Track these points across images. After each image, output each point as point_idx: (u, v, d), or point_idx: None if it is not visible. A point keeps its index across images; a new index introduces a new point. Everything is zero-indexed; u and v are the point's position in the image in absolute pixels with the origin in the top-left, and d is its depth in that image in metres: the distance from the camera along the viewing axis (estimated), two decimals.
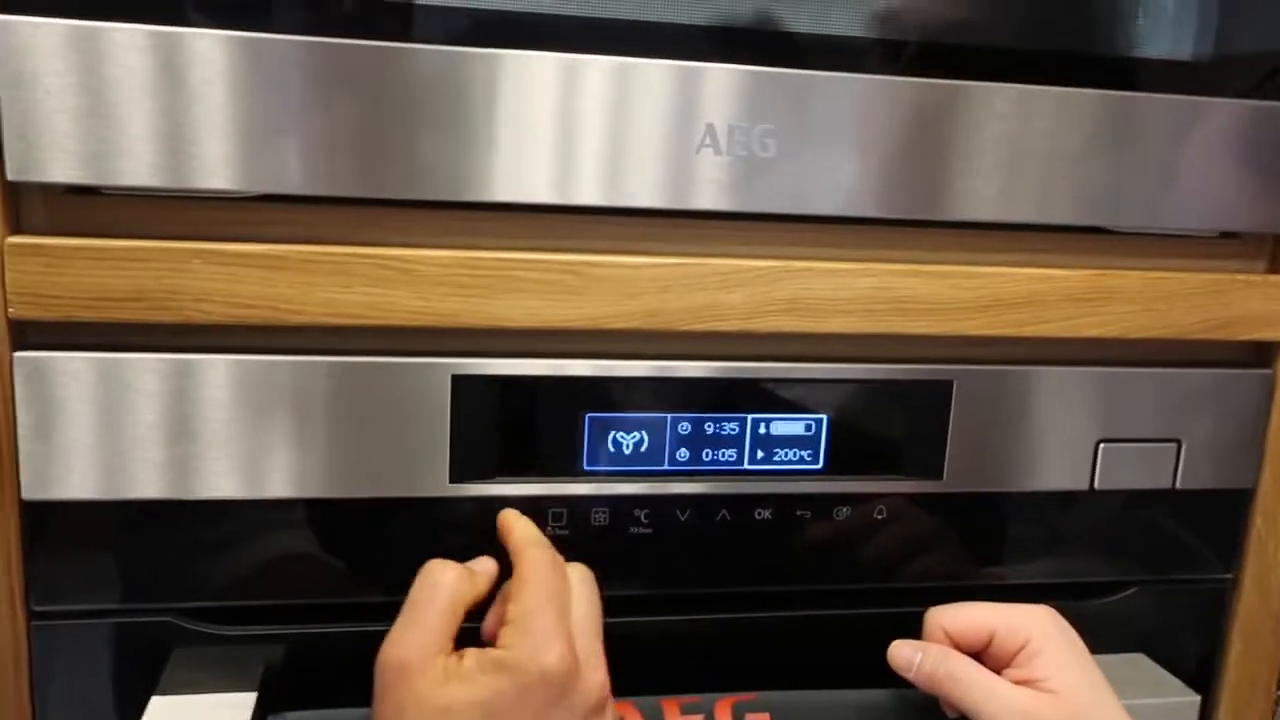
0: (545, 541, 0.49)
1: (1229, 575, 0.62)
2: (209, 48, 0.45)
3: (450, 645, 0.45)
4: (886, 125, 0.52)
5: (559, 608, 0.46)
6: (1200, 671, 0.62)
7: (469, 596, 0.47)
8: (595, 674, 0.45)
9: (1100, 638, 0.60)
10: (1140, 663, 0.60)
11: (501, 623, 0.46)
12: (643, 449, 0.54)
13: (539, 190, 0.49)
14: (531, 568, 0.47)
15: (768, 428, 0.54)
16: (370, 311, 0.49)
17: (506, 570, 0.49)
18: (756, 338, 0.53)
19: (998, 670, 0.51)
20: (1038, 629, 0.50)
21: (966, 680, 0.50)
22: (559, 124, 0.49)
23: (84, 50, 0.45)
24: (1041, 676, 0.49)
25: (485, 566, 0.49)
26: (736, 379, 0.54)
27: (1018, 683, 0.50)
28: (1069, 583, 0.60)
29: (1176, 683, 0.58)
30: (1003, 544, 0.59)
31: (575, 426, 0.53)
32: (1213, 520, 0.61)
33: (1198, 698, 0.57)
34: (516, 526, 0.50)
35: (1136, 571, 0.61)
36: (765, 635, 0.52)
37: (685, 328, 0.52)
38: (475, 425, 0.51)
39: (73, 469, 0.48)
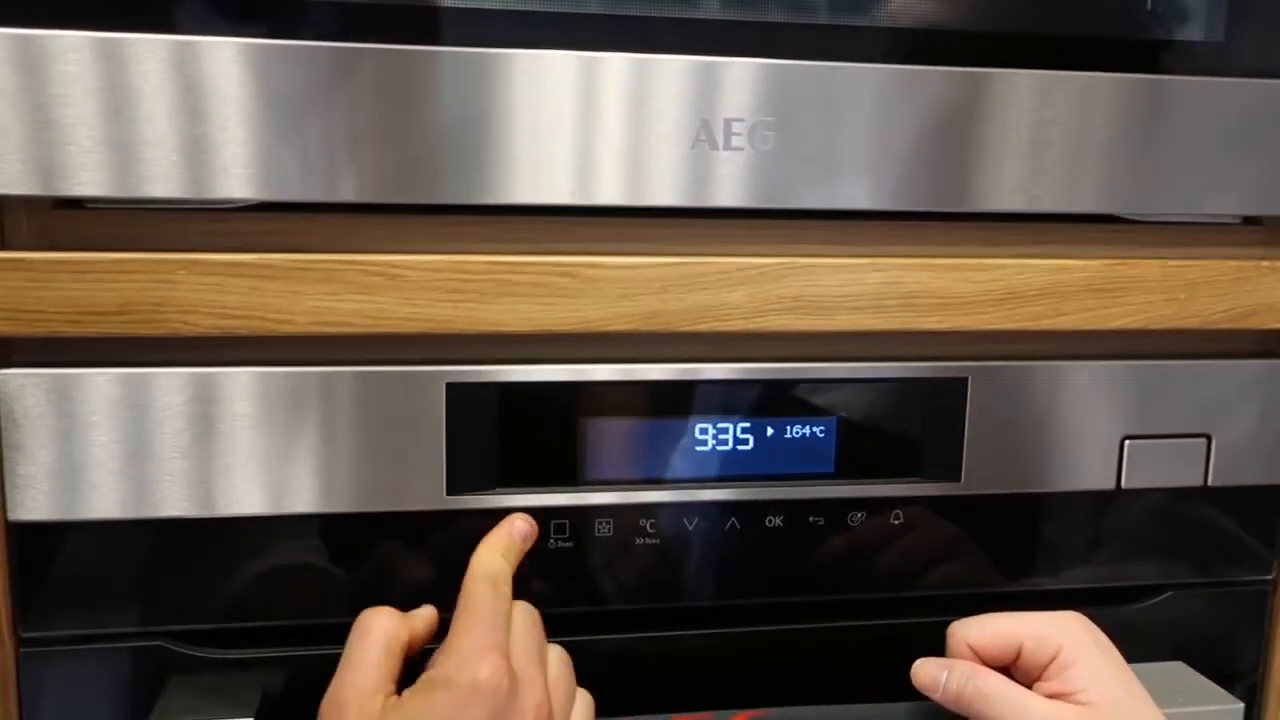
0: (495, 574, 0.47)
1: (1270, 576, 0.59)
2: (201, 55, 0.44)
3: (390, 686, 0.45)
4: (893, 117, 0.50)
5: (490, 626, 0.45)
6: (1243, 678, 0.59)
7: (403, 637, 0.46)
8: (534, 693, 0.44)
9: (1136, 645, 0.57)
10: (1180, 671, 0.57)
11: None
12: (646, 456, 0.52)
13: (530, 192, 0.48)
14: (467, 598, 0.46)
15: (776, 431, 0.53)
16: (360, 319, 0.47)
17: None
18: (762, 338, 0.52)
19: (1029, 684, 0.48)
20: (1069, 639, 0.48)
21: (997, 697, 0.47)
22: (547, 123, 0.47)
23: (68, 61, 0.44)
24: (1076, 689, 0.47)
25: (425, 613, 0.49)
26: (742, 381, 0.52)
27: (1051, 696, 0.47)
28: (1101, 587, 0.58)
29: (1219, 690, 0.55)
30: (1027, 548, 0.56)
31: (575, 434, 0.51)
32: (1250, 518, 0.58)
33: (1241, 705, 0.54)
34: (476, 557, 0.48)
35: (1172, 575, 0.58)
36: (779, 649, 0.50)
37: (686, 328, 0.50)
38: (472, 435, 0.50)
39: (60, 489, 0.47)
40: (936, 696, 0.48)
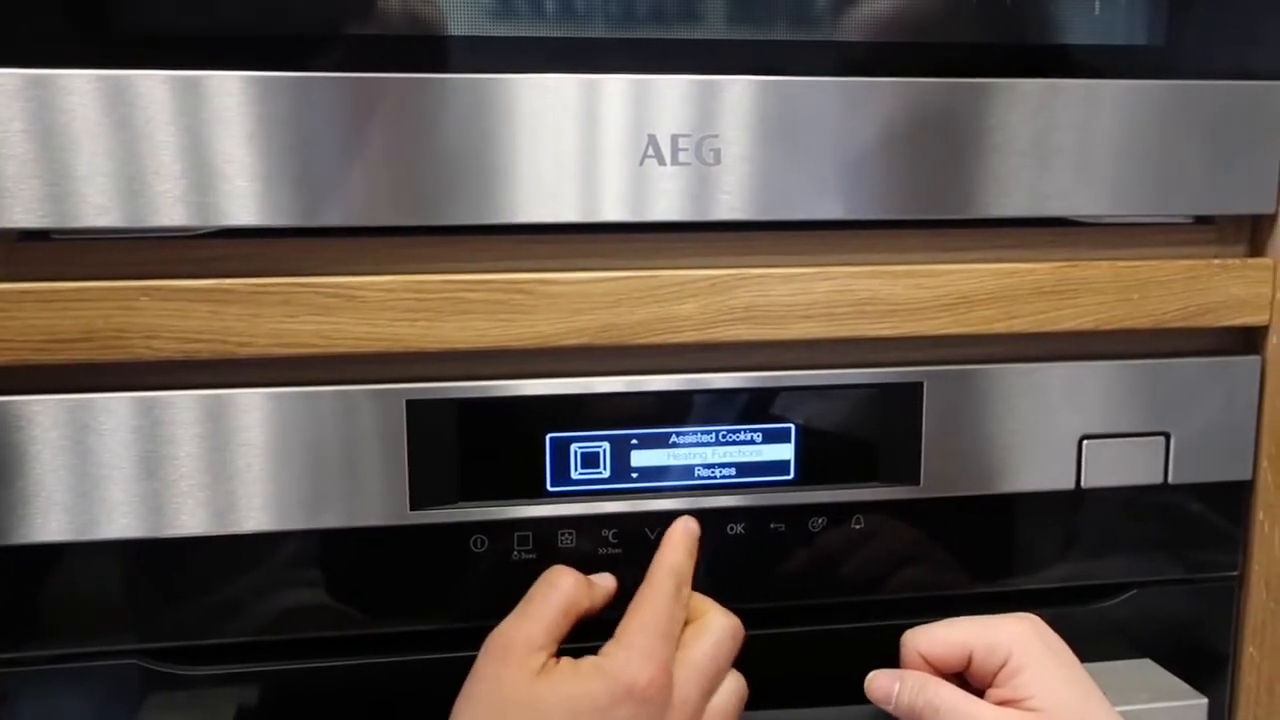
0: (679, 569, 0.49)
1: (1234, 572, 0.59)
2: (153, 88, 0.46)
3: (554, 646, 0.46)
4: (840, 128, 0.51)
5: (664, 633, 0.46)
6: (1213, 673, 0.59)
7: (583, 604, 0.48)
8: (683, 716, 0.45)
9: (1103, 643, 0.58)
10: (1146, 667, 0.58)
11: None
12: (607, 467, 0.53)
13: (489, 211, 0.49)
14: (653, 591, 0.48)
15: (734, 439, 0.53)
16: (318, 340, 0.49)
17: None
18: (716, 348, 0.53)
19: (982, 689, 0.49)
20: (1018, 644, 0.48)
21: (947, 709, 0.47)
22: (499, 142, 0.48)
23: (28, 97, 0.45)
24: (1024, 695, 0.47)
25: (606, 582, 0.50)
26: (699, 391, 0.53)
27: (1001, 703, 0.47)
28: (1066, 587, 0.58)
29: (1183, 686, 0.56)
30: (990, 549, 0.57)
31: (536, 447, 0.52)
32: (1212, 514, 0.58)
33: (1204, 700, 0.55)
34: (664, 548, 0.50)
35: (1136, 572, 0.59)
36: (743, 655, 0.50)
37: (640, 341, 0.51)
38: (433, 450, 0.51)
39: (34, 513, 0.48)
40: (890, 709, 0.49)
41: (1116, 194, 0.54)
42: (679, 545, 0.50)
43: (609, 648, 0.46)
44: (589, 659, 0.46)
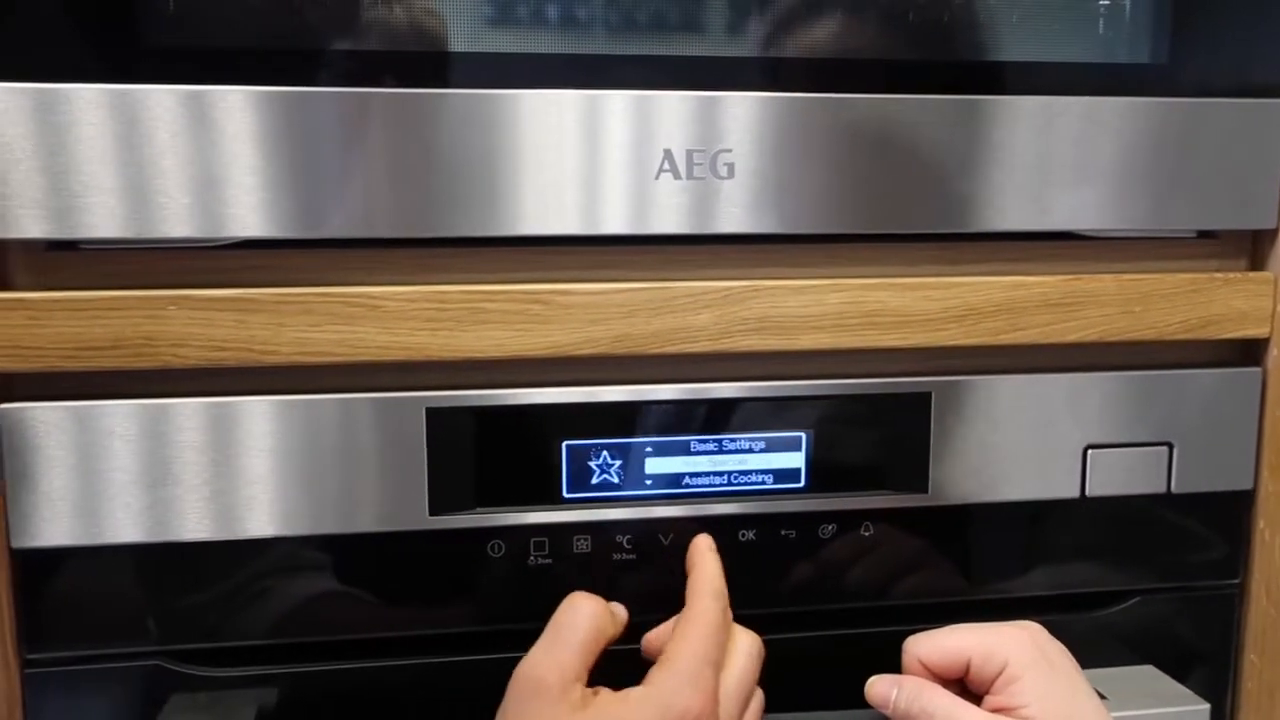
0: (723, 592, 0.49)
1: (1236, 581, 0.60)
2: (173, 102, 0.47)
3: (585, 675, 0.45)
4: (852, 143, 0.52)
5: (711, 659, 0.46)
6: (1214, 681, 0.60)
7: (609, 631, 0.47)
8: None
9: (1106, 650, 0.59)
10: (1148, 674, 0.58)
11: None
12: (622, 474, 0.54)
13: (510, 224, 0.50)
14: (701, 614, 0.47)
15: (746, 447, 0.54)
16: (340, 349, 0.50)
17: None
18: (731, 358, 0.54)
19: (980, 696, 0.50)
20: (1015, 653, 0.49)
21: (940, 715, 0.48)
22: (519, 159, 0.50)
23: (54, 111, 0.46)
24: (1019, 704, 0.48)
25: (621, 614, 0.50)
26: (712, 400, 0.54)
27: (996, 710, 0.48)
28: (1069, 594, 0.59)
29: (1185, 692, 0.57)
30: (996, 557, 0.58)
31: (553, 454, 0.53)
32: (1214, 524, 0.59)
33: (1207, 706, 0.55)
34: (703, 567, 0.50)
35: (1139, 580, 0.60)
36: None
37: (655, 351, 0.52)
38: (452, 457, 0.52)
39: (60, 516, 0.49)
40: (888, 713, 0.50)
41: (1120, 209, 0.55)
42: (715, 565, 0.50)
43: (656, 674, 0.45)
44: (635, 689, 0.45)
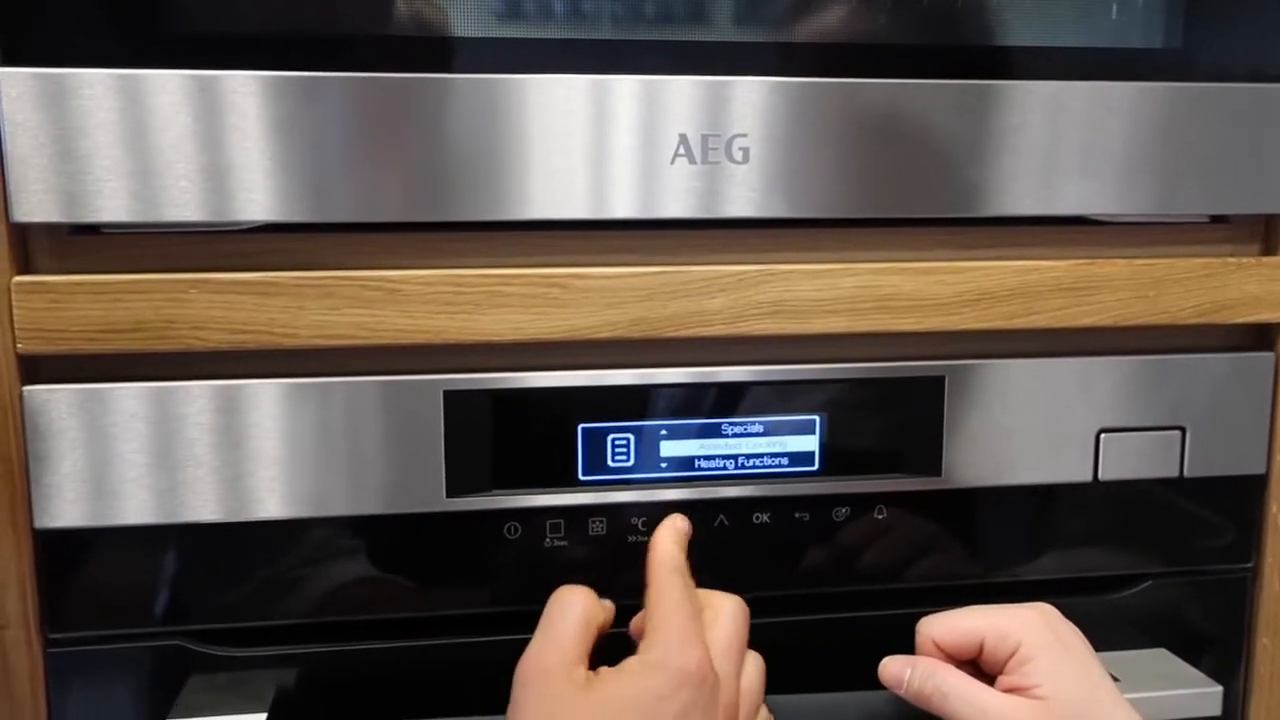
0: (681, 567, 0.49)
1: (1249, 564, 0.61)
2: (199, 88, 0.47)
3: (586, 660, 0.46)
4: (866, 128, 0.53)
5: (690, 616, 0.47)
6: (1226, 664, 0.60)
7: (600, 617, 0.48)
8: (728, 692, 0.46)
9: (1118, 633, 0.59)
10: (1160, 657, 0.59)
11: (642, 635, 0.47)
12: (637, 457, 0.54)
13: (526, 208, 0.51)
14: (662, 588, 0.48)
15: (761, 431, 0.55)
16: (360, 332, 0.50)
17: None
18: (746, 342, 0.54)
19: (993, 676, 0.50)
20: (1028, 634, 0.49)
21: (955, 695, 0.48)
22: (535, 143, 0.50)
23: (80, 96, 0.47)
24: (1032, 684, 0.48)
25: (609, 604, 0.50)
26: (727, 383, 0.54)
27: (1009, 690, 0.49)
28: (1082, 577, 0.59)
29: (1198, 674, 0.57)
30: (1009, 540, 0.58)
31: (569, 437, 0.54)
32: (1227, 508, 0.60)
33: (1220, 688, 0.56)
34: (655, 548, 0.50)
35: (1151, 564, 0.60)
36: (767, 641, 0.52)
37: (670, 334, 0.52)
38: (469, 439, 0.52)
39: (82, 497, 0.50)
40: (901, 693, 0.50)
41: (1132, 193, 0.56)
42: (669, 540, 0.50)
43: (646, 643, 0.46)
44: (629, 660, 0.46)
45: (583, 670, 0.45)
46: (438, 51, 0.50)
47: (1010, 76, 0.54)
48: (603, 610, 0.49)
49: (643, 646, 0.46)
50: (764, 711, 0.49)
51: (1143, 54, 0.56)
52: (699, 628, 0.47)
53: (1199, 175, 0.56)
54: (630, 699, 0.44)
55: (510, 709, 0.45)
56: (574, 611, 0.47)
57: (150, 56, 0.48)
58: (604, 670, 0.46)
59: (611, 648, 0.48)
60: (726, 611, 0.49)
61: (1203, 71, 0.56)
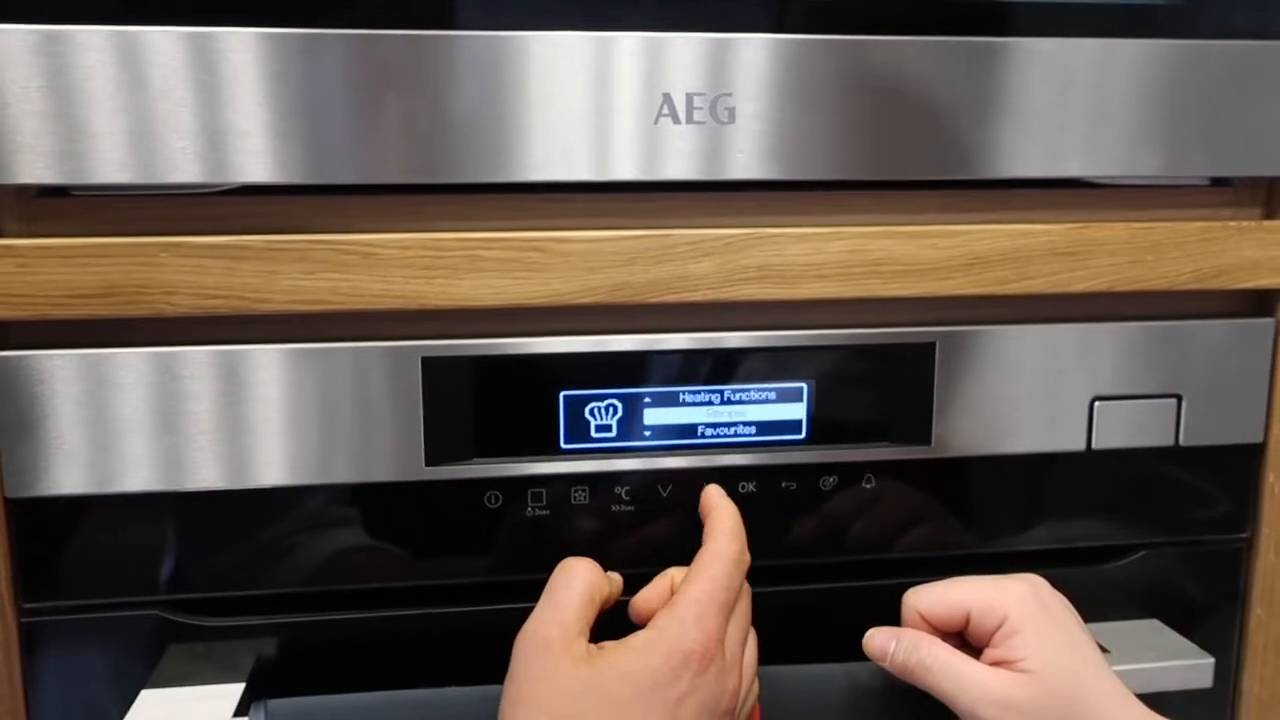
0: (741, 534, 0.48)
1: (1244, 535, 0.60)
2: (168, 44, 0.46)
3: (587, 633, 0.45)
4: (853, 87, 0.51)
5: (723, 602, 0.46)
6: (1219, 635, 0.60)
7: (604, 591, 0.47)
8: (734, 677, 0.45)
9: (1110, 604, 0.58)
10: (1153, 628, 0.58)
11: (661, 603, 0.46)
12: (620, 425, 0.53)
13: (503, 169, 0.49)
14: (717, 554, 0.47)
15: (747, 398, 0.54)
16: (335, 297, 0.49)
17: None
18: (730, 307, 0.53)
19: (980, 648, 0.49)
20: (1015, 606, 0.48)
21: (939, 668, 0.48)
22: (514, 101, 0.49)
23: (47, 53, 0.46)
24: (1018, 657, 0.47)
25: (617, 577, 0.49)
26: (712, 350, 0.53)
27: (995, 663, 0.48)
28: (1075, 548, 0.58)
29: (1190, 646, 0.56)
30: (1000, 509, 0.57)
31: (551, 405, 0.53)
32: (1223, 477, 0.59)
33: (1211, 660, 0.55)
34: (722, 509, 0.49)
35: (1145, 534, 0.59)
36: (754, 611, 0.51)
37: (654, 299, 0.51)
38: (448, 407, 0.51)
39: (55, 465, 0.49)
40: (886, 665, 0.49)
41: (1132, 155, 0.54)
42: (732, 509, 0.49)
43: (660, 618, 0.45)
44: (640, 634, 0.45)
45: (583, 643, 0.44)
46: (422, 8, 0.48)
47: (1010, 33, 0.52)
48: (608, 583, 0.48)
49: (658, 618, 0.45)
50: (754, 689, 0.48)
51: (1146, 10, 0.54)
52: (721, 615, 0.45)
53: (1202, 136, 0.54)
54: (627, 678, 0.43)
55: (508, 678, 0.45)
56: (578, 583, 0.46)
57: (134, 11, 0.46)
58: (607, 644, 0.45)
59: (616, 621, 0.47)
60: (746, 592, 0.48)
61: (1207, 28, 0.54)
